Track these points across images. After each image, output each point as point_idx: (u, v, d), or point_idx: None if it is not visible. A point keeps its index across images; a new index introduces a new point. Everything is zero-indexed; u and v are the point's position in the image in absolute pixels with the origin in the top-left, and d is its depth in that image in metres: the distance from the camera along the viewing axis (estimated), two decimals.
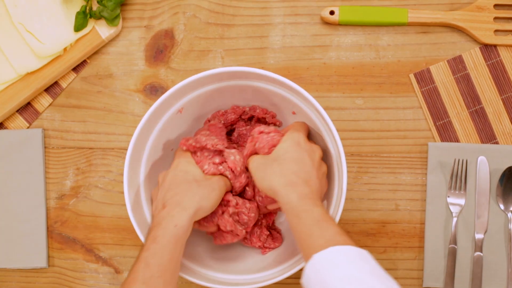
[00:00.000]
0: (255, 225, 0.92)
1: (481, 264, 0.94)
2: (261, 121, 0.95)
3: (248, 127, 0.95)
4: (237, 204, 0.87)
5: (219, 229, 0.89)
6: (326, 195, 0.91)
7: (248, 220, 0.88)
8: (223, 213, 0.87)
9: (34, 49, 0.98)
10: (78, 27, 0.98)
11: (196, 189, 0.82)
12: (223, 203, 0.87)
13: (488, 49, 0.99)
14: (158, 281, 0.75)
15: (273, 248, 0.93)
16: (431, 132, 0.98)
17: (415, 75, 0.99)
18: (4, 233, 1.00)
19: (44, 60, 0.99)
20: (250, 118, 0.96)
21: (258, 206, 0.90)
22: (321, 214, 0.76)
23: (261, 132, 0.87)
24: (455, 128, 0.98)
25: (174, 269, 0.78)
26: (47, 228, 1.01)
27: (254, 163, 0.85)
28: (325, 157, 0.91)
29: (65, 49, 0.99)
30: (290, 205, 0.78)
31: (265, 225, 0.93)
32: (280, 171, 0.81)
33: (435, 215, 0.96)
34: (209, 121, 0.95)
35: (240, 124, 0.95)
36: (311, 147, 0.85)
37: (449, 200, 0.96)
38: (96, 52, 1.01)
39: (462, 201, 0.96)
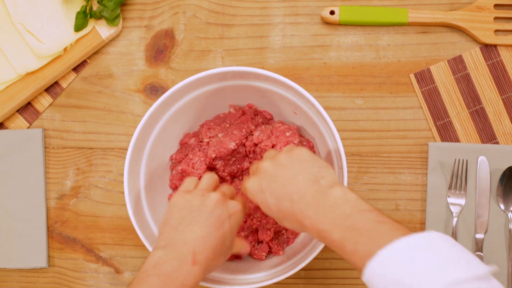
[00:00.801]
0: (256, 240, 0.92)
1: None
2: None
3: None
4: None
5: None
6: None
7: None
8: None
9: (34, 49, 0.98)
10: (78, 27, 0.98)
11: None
12: None
13: (488, 49, 0.99)
14: None
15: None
16: (431, 132, 0.98)
17: (415, 75, 0.99)
18: (4, 233, 1.00)
19: (44, 60, 0.99)
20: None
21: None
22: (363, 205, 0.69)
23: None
24: (455, 128, 0.98)
25: None
26: (47, 228, 1.01)
27: (251, 183, 0.78)
28: (325, 157, 0.91)
29: (65, 49, 0.99)
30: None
31: (266, 242, 0.93)
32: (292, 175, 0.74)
33: (435, 215, 0.96)
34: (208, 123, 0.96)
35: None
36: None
37: (449, 200, 0.96)
38: (96, 52, 1.01)
39: (462, 201, 0.96)
